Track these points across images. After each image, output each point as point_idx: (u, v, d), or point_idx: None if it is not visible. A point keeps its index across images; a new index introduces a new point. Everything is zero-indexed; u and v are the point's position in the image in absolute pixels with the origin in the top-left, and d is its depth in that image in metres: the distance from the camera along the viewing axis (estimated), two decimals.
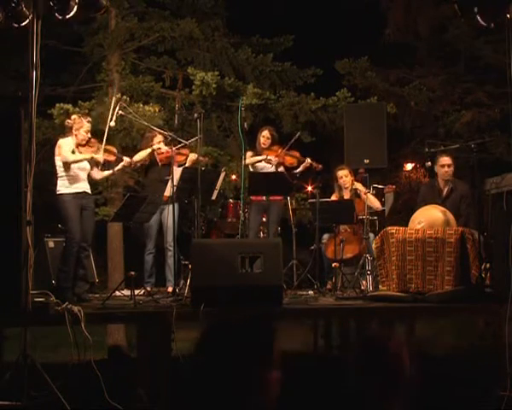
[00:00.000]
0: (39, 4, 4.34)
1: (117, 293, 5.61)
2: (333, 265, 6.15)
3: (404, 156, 12.62)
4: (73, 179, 5.56)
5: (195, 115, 5.91)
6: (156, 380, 4.28)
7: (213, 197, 6.38)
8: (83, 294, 5.51)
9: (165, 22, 9.62)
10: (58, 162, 5.57)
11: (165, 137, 6.30)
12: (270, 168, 6.65)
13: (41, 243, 6.52)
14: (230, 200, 6.98)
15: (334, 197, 6.91)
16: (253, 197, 6.52)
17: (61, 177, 5.55)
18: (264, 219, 6.78)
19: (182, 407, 1.65)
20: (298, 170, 6.72)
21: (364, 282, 6.20)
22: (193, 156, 6.31)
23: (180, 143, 6.29)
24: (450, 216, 5.55)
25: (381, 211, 6.82)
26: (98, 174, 5.95)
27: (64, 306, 4.24)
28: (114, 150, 6.04)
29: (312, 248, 6.73)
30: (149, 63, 10.17)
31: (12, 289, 4.09)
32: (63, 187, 5.53)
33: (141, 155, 6.33)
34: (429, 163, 6.35)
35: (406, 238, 5.29)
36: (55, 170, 5.60)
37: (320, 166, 6.78)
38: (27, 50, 4.27)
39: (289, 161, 6.78)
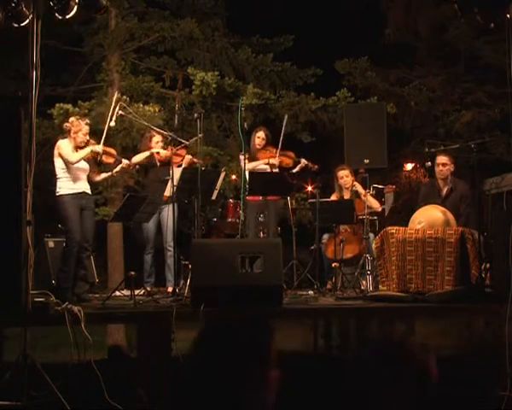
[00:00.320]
0: (39, 4, 4.34)
1: (117, 293, 5.61)
2: (333, 265, 6.15)
3: (404, 156, 12.62)
4: (73, 180, 5.56)
5: (195, 115, 5.91)
6: (156, 380, 4.28)
7: (213, 197, 6.38)
8: (83, 294, 5.51)
9: (165, 22, 9.63)
10: (57, 163, 5.57)
11: (165, 137, 6.31)
12: (266, 169, 6.64)
13: (41, 243, 6.52)
14: (230, 200, 6.97)
15: (334, 197, 6.91)
16: (249, 197, 6.51)
17: (60, 178, 5.55)
18: (261, 219, 6.76)
19: (182, 407, 1.65)
20: (294, 170, 6.71)
21: (364, 282, 6.20)
22: (187, 159, 6.33)
23: (180, 143, 6.29)
24: (450, 216, 5.55)
25: (380, 211, 6.82)
26: (97, 176, 5.95)
27: (64, 306, 4.24)
28: (113, 152, 6.04)
29: (312, 248, 6.73)
30: (149, 63, 10.17)
31: (12, 289, 4.09)
32: (62, 188, 5.53)
33: (139, 158, 6.33)
34: (429, 163, 6.36)
35: (406, 238, 5.29)
36: (55, 171, 5.60)
37: (316, 166, 6.78)
38: (27, 50, 4.27)
39: (285, 161, 6.78)
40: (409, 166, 13.22)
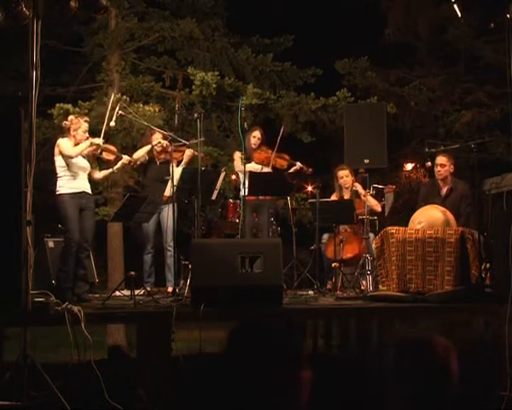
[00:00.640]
0: (39, 4, 4.34)
1: (117, 293, 5.60)
2: (333, 265, 6.15)
3: (404, 156, 12.62)
4: (73, 179, 5.55)
5: (195, 115, 5.90)
6: (156, 380, 4.28)
7: (213, 197, 6.38)
8: (83, 294, 5.51)
9: (165, 22, 9.63)
10: (57, 162, 5.57)
11: (165, 137, 6.31)
12: (259, 169, 6.64)
13: (41, 243, 6.52)
14: (230, 200, 6.97)
15: (334, 197, 6.91)
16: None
17: (61, 177, 5.55)
18: (255, 220, 6.76)
19: (182, 407, 1.65)
20: (288, 172, 6.71)
21: (364, 282, 6.20)
22: (189, 152, 6.33)
23: (180, 142, 6.30)
24: (451, 216, 5.55)
25: (380, 211, 6.82)
26: (98, 174, 5.95)
27: (64, 306, 4.24)
28: (114, 149, 6.04)
29: (312, 248, 6.73)
30: (149, 63, 10.18)
31: (12, 289, 4.09)
32: (62, 187, 5.53)
33: (140, 153, 6.33)
34: (429, 163, 6.36)
35: (406, 238, 5.29)
36: (55, 170, 5.60)
37: (310, 169, 6.78)
38: (27, 50, 4.27)
39: (280, 163, 6.78)
40: (409, 166, 13.22)
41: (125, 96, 8.17)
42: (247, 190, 6.02)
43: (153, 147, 6.26)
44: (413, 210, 5.91)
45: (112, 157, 5.94)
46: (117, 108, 6.10)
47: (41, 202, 6.58)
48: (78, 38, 10.08)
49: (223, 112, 10.20)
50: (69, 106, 8.32)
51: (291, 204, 7.15)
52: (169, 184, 5.93)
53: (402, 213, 10.03)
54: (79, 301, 5.14)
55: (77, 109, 8.24)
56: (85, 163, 5.69)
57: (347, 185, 6.82)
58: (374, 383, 1.80)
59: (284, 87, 10.21)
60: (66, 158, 5.53)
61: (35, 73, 4.24)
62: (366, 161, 7.13)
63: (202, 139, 5.90)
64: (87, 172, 5.72)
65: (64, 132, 5.74)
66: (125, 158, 6.01)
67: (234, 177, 9.30)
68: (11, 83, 9.49)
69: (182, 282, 6.10)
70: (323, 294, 5.91)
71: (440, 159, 6.21)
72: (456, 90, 11.25)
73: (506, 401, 4.00)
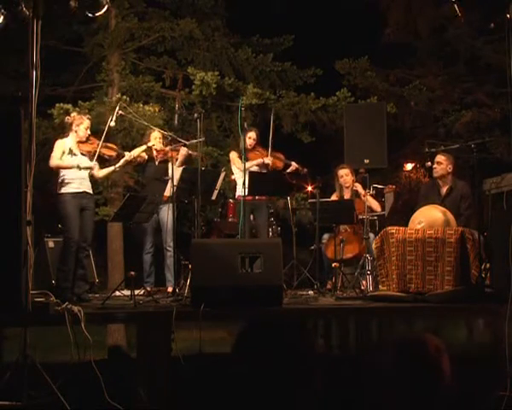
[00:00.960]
0: (39, 4, 4.34)
1: (117, 293, 5.61)
2: (333, 265, 6.15)
3: (404, 156, 12.62)
4: (73, 179, 5.55)
5: (195, 115, 5.91)
6: (156, 380, 4.28)
7: (213, 197, 6.38)
8: (83, 294, 5.51)
9: (165, 22, 9.64)
10: None
11: (164, 137, 6.32)
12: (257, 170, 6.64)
13: (41, 243, 6.52)
14: (230, 200, 6.97)
15: (334, 197, 6.91)
16: (239, 197, 6.49)
17: (61, 176, 5.55)
18: (252, 220, 6.76)
19: (182, 406, 1.66)
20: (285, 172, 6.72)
21: (364, 282, 6.20)
22: (183, 151, 6.32)
23: (180, 142, 6.30)
24: (450, 216, 5.55)
25: (380, 212, 6.82)
26: (100, 172, 5.94)
27: (64, 306, 4.24)
28: (115, 146, 6.04)
29: (312, 248, 6.73)
30: (149, 63, 10.18)
31: (12, 289, 4.09)
32: (64, 186, 5.53)
33: (137, 150, 6.30)
34: (429, 163, 6.36)
35: (406, 238, 5.29)
36: (57, 169, 5.60)
37: (305, 169, 6.79)
38: (27, 50, 4.27)
39: (275, 163, 6.79)
40: (409, 166, 13.22)
41: (124, 96, 8.17)
42: (247, 190, 6.01)
43: (148, 147, 6.26)
44: (413, 210, 5.91)
45: (113, 154, 5.93)
46: (117, 108, 6.10)
47: (41, 202, 6.58)
48: (78, 37, 10.08)
49: (223, 112, 10.20)
50: (69, 106, 8.32)
51: (291, 204, 7.16)
52: (169, 183, 5.93)
53: (402, 213, 10.03)
54: (79, 301, 5.14)
55: (77, 109, 8.23)
56: (86, 162, 5.68)
57: (347, 184, 6.82)
58: (372, 383, 1.80)
59: (284, 87, 10.21)
60: (50, 162, 5.53)
61: (35, 73, 4.24)
62: (366, 161, 7.13)
63: (202, 139, 5.89)
64: (88, 171, 5.72)
65: (65, 129, 5.75)
66: (127, 154, 6.01)
67: (233, 177, 9.32)
68: (11, 83, 9.49)
69: (182, 282, 6.10)
70: (323, 294, 5.91)
71: (438, 157, 6.22)
72: (456, 90, 11.26)
73: (506, 401, 4.00)
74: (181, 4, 10.26)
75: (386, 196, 7.16)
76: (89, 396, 3.96)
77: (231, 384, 1.58)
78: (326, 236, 6.81)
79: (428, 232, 5.23)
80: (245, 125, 6.18)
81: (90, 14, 4.85)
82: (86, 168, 5.67)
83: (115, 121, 6.08)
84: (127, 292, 5.58)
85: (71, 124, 5.67)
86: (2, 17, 4.56)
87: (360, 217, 6.46)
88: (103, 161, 6.03)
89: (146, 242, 6.37)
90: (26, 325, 4.01)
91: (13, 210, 4.16)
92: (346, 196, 6.82)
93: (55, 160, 5.52)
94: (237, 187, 6.80)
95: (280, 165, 6.81)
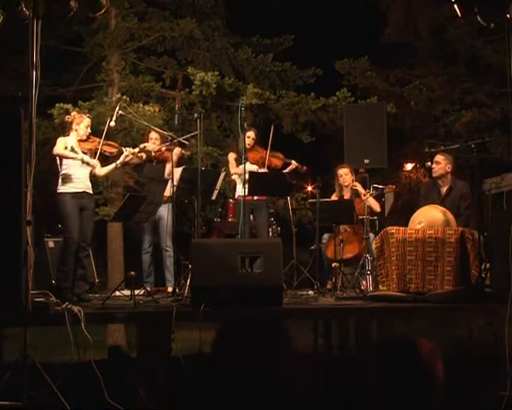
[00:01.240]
0: (39, 4, 4.34)
1: (117, 293, 5.61)
2: (333, 265, 6.15)
3: (404, 156, 12.62)
4: (73, 178, 5.55)
5: (195, 115, 5.91)
6: (156, 380, 4.28)
7: (213, 197, 6.38)
8: (83, 294, 5.51)
9: (165, 22, 9.63)
10: (58, 160, 5.58)
11: (162, 137, 6.34)
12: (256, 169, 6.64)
13: (41, 243, 6.52)
14: (230, 200, 6.97)
15: (334, 197, 6.91)
16: (239, 197, 6.49)
17: (61, 175, 5.55)
18: (252, 220, 6.76)
19: (182, 406, 1.65)
20: (283, 171, 6.71)
21: (364, 282, 6.20)
22: (176, 151, 6.33)
23: (180, 143, 6.30)
24: (450, 216, 5.55)
25: (380, 212, 6.82)
26: (102, 170, 5.93)
27: (64, 306, 4.24)
28: (116, 144, 6.04)
29: (312, 248, 6.73)
30: (149, 63, 10.18)
31: (12, 289, 4.09)
32: (64, 186, 5.52)
33: (133, 149, 6.29)
34: (429, 163, 6.36)
35: (406, 238, 5.29)
36: (57, 168, 5.60)
37: (305, 167, 6.80)
38: (27, 50, 4.27)
39: (274, 162, 6.79)
40: (409, 166, 13.23)
41: (124, 96, 8.17)
42: (247, 190, 6.01)
43: (141, 148, 6.26)
44: (413, 210, 5.91)
45: (114, 150, 5.92)
46: (117, 108, 6.10)
47: (41, 202, 6.58)
48: (78, 37, 10.07)
49: (223, 112, 10.20)
50: (69, 106, 8.31)
51: (291, 204, 7.16)
52: (169, 183, 5.93)
53: (402, 213, 10.04)
54: (79, 301, 5.14)
55: (77, 109, 8.23)
56: (89, 159, 5.67)
57: (347, 184, 6.82)
58: (370, 383, 1.80)
59: (284, 87, 10.21)
60: (54, 152, 5.53)
61: (35, 73, 4.24)
62: (366, 160, 7.13)
63: (198, 132, 5.85)
64: (89, 170, 5.71)
65: (66, 128, 5.74)
66: (129, 150, 6.00)
67: (233, 177, 9.32)
68: (11, 83, 9.49)
69: (182, 282, 6.10)
70: (323, 294, 5.91)
71: (437, 157, 6.23)
72: (456, 90, 11.26)
73: (506, 401, 4.00)
74: (181, 4, 10.26)
75: (386, 196, 7.16)
76: (89, 396, 3.96)
77: (231, 384, 1.58)
78: (326, 236, 6.82)
79: (428, 232, 5.23)
80: (245, 125, 6.18)
81: (90, 15, 4.85)
82: (88, 164, 5.66)
83: (115, 121, 6.08)
84: (127, 292, 5.58)
85: (71, 123, 5.67)
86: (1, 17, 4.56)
87: (360, 217, 6.46)
88: (104, 160, 6.03)
89: (144, 241, 6.37)
90: (26, 325, 4.02)
91: (13, 210, 4.16)
92: (346, 196, 6.82)
93: (59, 149, 5.51)
94: (237, 187, 6.80)
95: (279, 163, 6.81)
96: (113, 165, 6.00)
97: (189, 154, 6.38)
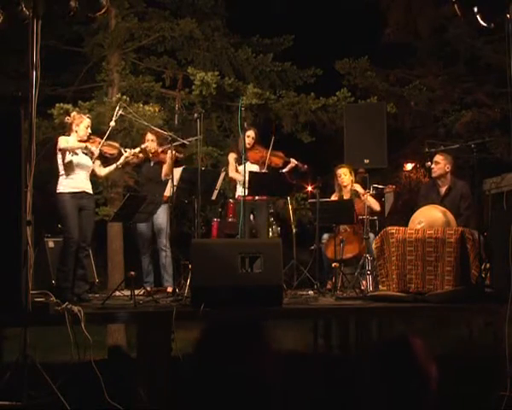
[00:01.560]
0: (39, 4, 4.34)
1: (117, 293, 5.61)
2: (333, 265, 6.15)
3: (404, 156, 12.61)
4: (73, 179, 5.55)
5: (195, 115, 5.91)
6: (156, 380, 4.28)
7: (213, 197, 6.38)
8: (83, 294, 5.51)
9: (165, 22, 9.63)
10: (59, 160, 5.58)
11: (165, 137, 6.33)
12: (255, 168, 6.64)
13: (41, 243, 6.52)
14: (230, 200, 6.97)
15: (334, 197, 6.91)
16: (239, 197, 6.50)
17: (62, 175, 5.55)
18: (252, 220, 6.76)
19: (181, 406, 1.65)
20: (283, 170, 6.71)
21: (364, 282, 6.20)
22: (169, 154, 6.33)
23: (179, 142, 6.31)
24: (450, 216, 5.55)
25: (380, 211, 6.82)
26: (102, 170, 5.93)
27: (64, 306, 4.24)
28: (116, 144, 6.04)
29: (312, 248, 6.73)
30: (149, 63, 10.17)
31: (12, 289, 4.09)
32: (63, 186, 5.53)
33: (132, 150, 6.29)
34: (429, 163, 6.36)
35: (406, 238, 5.29)
36: (57, 168, 5.60)
37: (305, 166, 6.80)
38: (27, 50, 4.27)
39: (275, 161, 6.79)
40: (409, 166, 13.22)
41: (125, 96, 8.17)
42: (247, 190, 6.01)
43: (142, 149, 6.27)
44: (413, 210, 5.91)
45: (115, 151, 5.93)
46: (117, 108, 6.10)
47: (41, 202, 6.58)
48: (78, 37, 10.07)
49: (223, 112, 10.19)
50: (69, 106, 8.31)
51: (291, 204, 7.16)
52: (169, 183, 5.94)
53: (402, 213, 10.04)
54: (79, 301, 5.14)
55: (77, 109, 8.23)
56: (87, 161, 5.68)
57: (345, 184, 6.82)
58: (369, 383, 1.80)
59: (284, 87, 10.21)
60: (63, 151, 5.52)
61: (35, 73, 4.24)
62: (366, 160, 7.13)
63: (200, 137, 5.87)
64: (89, 170, 5.71)
65: (66, 129, 5.75)
66: (129, 151, 6.00)
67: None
68: (11, 83, 9.49)
69: (182, 282, 6.10)
70: (323, 294, 5.92)
71: (436, 157, 6.24)
72: (456, 90, 11.26)
73: (506, 401, 4.00)
74: (181, 4, 10.25)
75: (386, 196, 7.16)
76: (89, 396, 3.96)
77: (231, 384, 1.58)
78: (326, 236, 6.81)
79: (428, 232, 5.23)
80: (245, 125, 6.19)
81: (90, 15, 4.85)
82: (91, 152, 5.66)
83: (115, 121, 6.09)
84: (127, 292, 5.58)
85: (71, 124, 5.67)
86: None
87: (360, 217, 6.46)
88: (105, 161, 6.03)
89: (141, 242, 6.39)
90: (26, 325, 4.02)
91: (13, 210, 4.16)
92: (346, 196, 6.82)
93: (62, 143, 5.51)
94: (237, 187, 6.80)
95: (279, 162, 6.80)
96: (113, 166, 6.00)
97: (182, 157, 6.40)
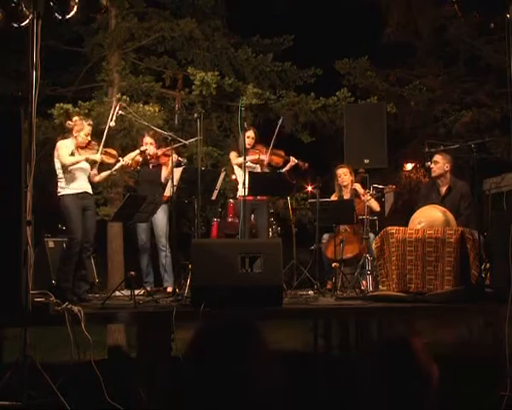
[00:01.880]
0: (39, 4, 4.34)
1: (117, 293, 5.61)
2: (333, 265, 6.15)
3: (404, 156, 12.62)
4: (73, 180, 5.56)
5: (195, 115, 5.92)
6: (156, 380, 4.28)
7: (213, 197, 6.38)
8: (83, 294, 5.51)
9: (165, 22, 9.62)
10: (57, 164, 5.58)
11: (157, 140, 6.35)
12: (255, 168, 6.64)
13: (41, 243, 6.52)
14: (230, 200, 6.97)
15: (334, 197, 6.91)
16: (240, 197, 6.50)
17: (61, 178, 5.56)
18: (252, 220, 6.76)
19: (182, 406, 1.65)
20: (284, 169, 6.72)
21: (364, 282, 6.20)
22: (174, 158, 6.35)
23: (179, 142, 6.31)
24: (450, 216, 5.55)
25: (380, 211, 6.82)
26: (98, 177, 5.93)
27: (64, 306, 4.25)
28: (114, 153, 6.04)
29: (312, 248, 6.73)
30: (149, 63, 10.17)
31: (12, 289, 4.09)
32: (64, 188, 5.53)
33: (130, 156, 6.31)
34: (429, 163, 6.37)
35: (406, 238, 5.29)
36: (55, 171, 5.60)
37: (306, 164, 6.80)
38: (27, 50, 4.27)
39: (275, 160, 6.79)
40: (409, 166, 13.23)
41: (124, 96, 8.17)
42: (246, 190, 6.01)
43: (142, 153, 6.27)
44: (413, 210, 5.91)
45: (112, 161, 5.95)
46: (117, 108, 6.10)
47: (41, 202, 6.58)
48: (78, 37, 10.07)
49: (223, 112, 10.19)
50: (69, 106, 8.31)
51: (291, 204, 7.16)
52: (169, 183, 5.94)
53: (402, 213, 10.04)
54: (79, 301, 5.14)
55: (77, 109, 8.23)
56: (85, 164, 5.69)
57: (345, 183, 6.82)
58: (369, 382, 1.80)
59: (284, 87, 10.21)
60: (62, 162, 5.54)
61: (35, 73, 4.24)
62: (366, 161, 7.13)
63: (200, 138, 5.88)
64: (87, 172, 5.73)
65: (66, 132, 5.75)
66: (124, 160, 6.03)
67: (234, 177, 9.32)
68: (11, 83, 9.48)
69: (182, 282, 6.11)
70: (323, 294, 5.92)
71: (435, 156, 6.25)
72: (456, 90, 11.26)
73: (506, 401, 4.00)
74: (181, 4, 10.25)
75: (386, 196, 7.16)
76: (89, 396, 3.96)
77: (231, 384, 1.58)
78: (326, 236, 6.81)
79: (428, 232, 5.23)
80: (245, 125, 6.19)
81: (90, 15, 4.85)
82: (94, 161, 5.68)
83: (115, 121, 6.09)
84: (127, 292, 5.58)
85: (71, 129, 5.67)
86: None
87: (360, 217, 6.46)
88: (101, 165, 6.04)
89: (140, 242, 6.39)
90: (26, 325, 4.02)
91: (13, 210, 4.16)
92: (346, 196, 6.81)
93: (67, 159, 5.52)
94: (239, 187, 6.80)
95: (279, 161, 6.80)
96: (108, 172, 6.03)
97: (185, 162, 6.42)
